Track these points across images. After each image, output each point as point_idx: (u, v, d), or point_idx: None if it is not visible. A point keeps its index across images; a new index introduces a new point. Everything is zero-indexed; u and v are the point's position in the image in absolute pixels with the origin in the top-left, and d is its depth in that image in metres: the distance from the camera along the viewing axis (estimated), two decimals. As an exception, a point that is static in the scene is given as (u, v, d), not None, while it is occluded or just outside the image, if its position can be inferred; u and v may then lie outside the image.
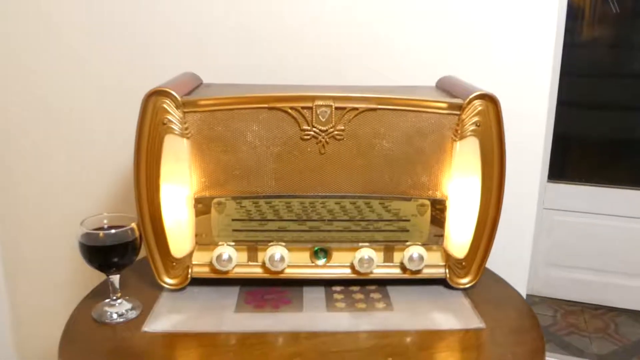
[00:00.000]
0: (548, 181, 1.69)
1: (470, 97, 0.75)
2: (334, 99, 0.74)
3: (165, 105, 0.73)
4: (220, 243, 0.79)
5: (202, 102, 0.74)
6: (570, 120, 1.74)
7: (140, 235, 0.75)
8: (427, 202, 0.79)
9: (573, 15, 1.81)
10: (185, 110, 0.74)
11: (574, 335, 1.56)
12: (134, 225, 0.73)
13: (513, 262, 1.04)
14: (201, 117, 0.75)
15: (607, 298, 1.72)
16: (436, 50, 1.00)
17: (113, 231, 0.72)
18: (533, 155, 1.03)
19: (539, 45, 0.97)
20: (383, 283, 0.84)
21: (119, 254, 0.73)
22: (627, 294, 1.69)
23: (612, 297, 1.71)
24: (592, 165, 1.87)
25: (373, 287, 0.83)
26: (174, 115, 0.73)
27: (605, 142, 1.89)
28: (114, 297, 0.76)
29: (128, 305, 0.76)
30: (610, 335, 1.57)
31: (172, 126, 0.73)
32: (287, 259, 0.79)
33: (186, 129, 0.75)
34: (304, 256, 0.81)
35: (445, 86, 0.88)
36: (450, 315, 0.76)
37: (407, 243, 0.81)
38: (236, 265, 0.80)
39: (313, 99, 0.74)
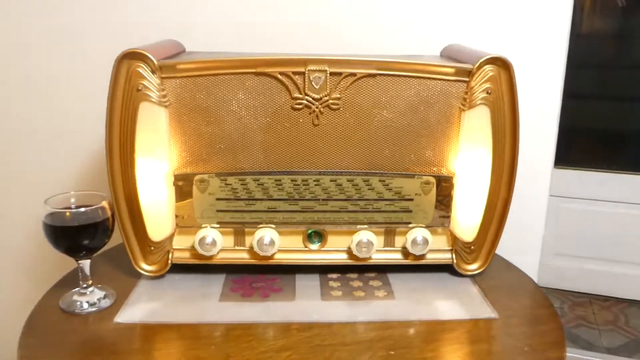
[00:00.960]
0: (554, 167, 1.61)
1: (481, 61, 0.67)
2: (329, 63, 0.67)
3: (140, 70, 0.65)
4: (203, 225, 0.72)
5: (182, 67, 0.67)
6: (575, 110, 1.68)
7: (113, 215, 0.67)
8: (432, 180, 0.72)
9: (576, 6, 1.74)
10: (163, 75, 0.66)
11: (583, 327, 1.49)
12: (104, 203, 0.66)
13: (523, 250, 0.97)
14: (181, 84, 0.67)
15: (616, 289, 1.65)
16: (441, 19, 0.92)
17: (82, 209, 0.64)
18: (544, 136, 0.95)
19: (554, 22, 0.90)
20: (383, 269, 0.77)
21: (89, 236, 0.65)
22: (637, 285, 1.62)
23: (621, 288, 1.64)
24: (598, 152, 1.80)
25: (372, 274, 0.76)
26: (149, 81, 0.66)
27: (611, 131, 1.83)
28: (85, 285, 0.69)
29: (100, 294, 0.69)
30: (620, 328, 1.50)
31: (148, 93, 0.66)
32: (277, 242, 0.71)
33: (164, 96, 0.67)
34: (296, 240, 0.74)
35: (451, 54, 0.80)
36: (458, 304, 0.69)
37: (410, 225, 0.73)
38: (221, 250, 0.73)
39: (305, 62, 0.67)
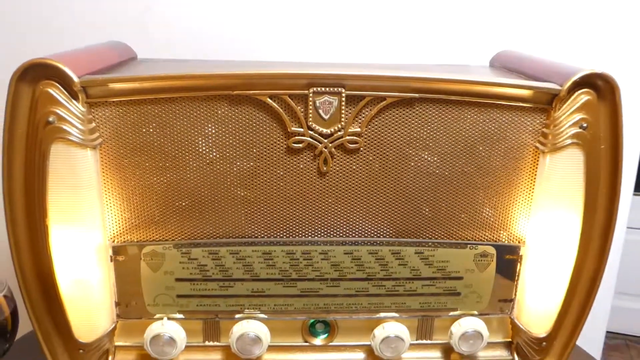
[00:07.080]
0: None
1: (574, 79, 0.45)
2: (345, 81, 0.44)
3: (51, 91, 0.42)
4: (157, 316, 0.49)
5: (118, 87, 0.43)
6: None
7: (14, 313, 0.44)
8: (492, 251, 0.50)
9: None
10: (90, 100, 0.43)
11: (624, 379, 1.28)
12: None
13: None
14: (119, 113, 0.44)
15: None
16: (491, 16, 0.70)
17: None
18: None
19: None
20: (416, 371, 0.55)
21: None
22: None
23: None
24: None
25: (401, 378, 0.54)
26: (67, 108, 0.42)
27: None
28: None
29: None
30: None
31: (66, 127, 0.42)
32: (266, 340, 0.49)
33: (92, 131, 0.44)
34: (293, 333, 0.52)
35: (506, 64, 0.58)
36: None
37: (456, 312, 0.51)
38: (186, 349, 0.50)
39: (309, 81, 0.44)
